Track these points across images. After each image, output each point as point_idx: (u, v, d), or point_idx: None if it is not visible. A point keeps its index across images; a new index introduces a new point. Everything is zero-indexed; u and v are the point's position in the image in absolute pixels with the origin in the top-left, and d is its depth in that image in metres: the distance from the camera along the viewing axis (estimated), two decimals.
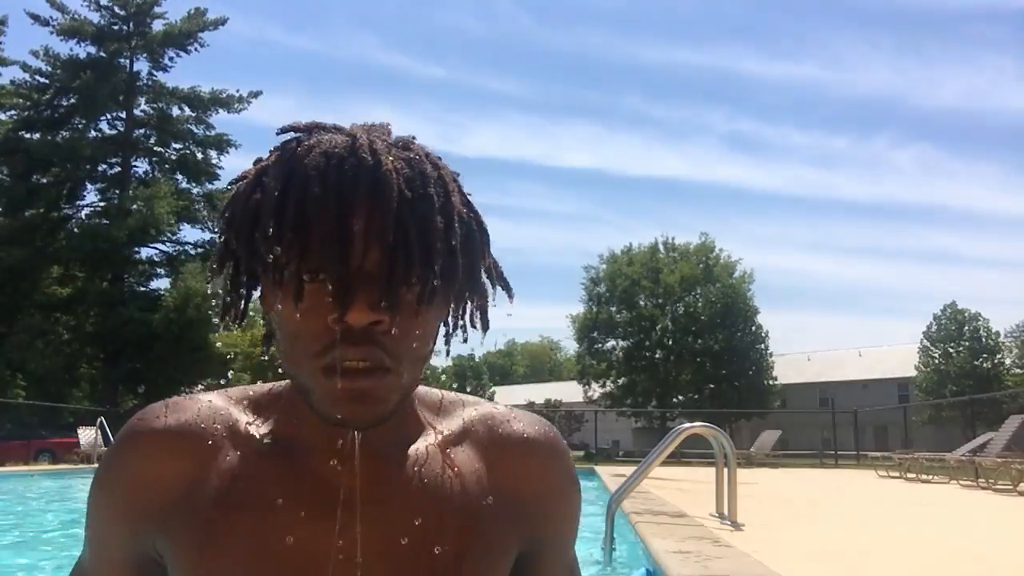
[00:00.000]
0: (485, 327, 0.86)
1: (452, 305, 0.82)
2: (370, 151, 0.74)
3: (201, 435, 0.83)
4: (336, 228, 0.71)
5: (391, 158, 0.74)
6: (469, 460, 0.87)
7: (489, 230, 0.85)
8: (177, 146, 36.76)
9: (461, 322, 0.85)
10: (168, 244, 36.52)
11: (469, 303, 0.84)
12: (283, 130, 0.80)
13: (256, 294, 0.82)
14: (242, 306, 0.83)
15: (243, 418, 0.86)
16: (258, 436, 0.84)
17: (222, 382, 34.68)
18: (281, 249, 0.72)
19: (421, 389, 0.91)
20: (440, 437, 0.88)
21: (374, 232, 0.72)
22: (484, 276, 0.84)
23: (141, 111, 36.25)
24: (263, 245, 0.73)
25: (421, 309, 0.75)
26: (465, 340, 0.86)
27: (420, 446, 0.86)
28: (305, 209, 0.72)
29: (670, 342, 47.22)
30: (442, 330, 0.82)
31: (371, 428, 0.77)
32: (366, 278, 0.72)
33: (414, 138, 0.81)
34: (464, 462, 0.87)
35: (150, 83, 35.95)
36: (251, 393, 0.90)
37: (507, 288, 0.87)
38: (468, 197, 0.83)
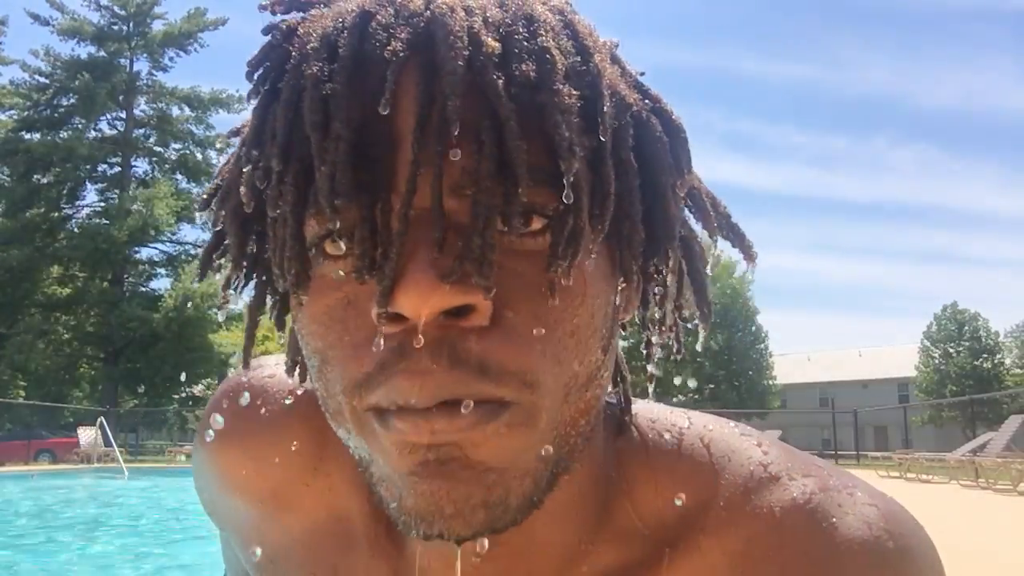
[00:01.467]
0: (705, 311, 0.50)
1: (628, 268, 0.45)
2: None
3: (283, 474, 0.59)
4: (344, 132, 0.39)
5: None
6: None
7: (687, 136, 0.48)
8: (177, 146, 36.77)
9: (656, 304, 0.50)
10: (168, 244, 36.58)
11: (662, 262, 0.47)
12: (272, 6, 0.47)
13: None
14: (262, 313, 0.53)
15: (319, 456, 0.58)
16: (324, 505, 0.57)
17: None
18: (268, 198, 0.42)
19: (651, 435, 0.53)
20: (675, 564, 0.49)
21: (437, 127, 0.39)
22: (685, 211, 0.49)
23: (141, 111, 36.27)
24: (247, 199, 0.43)
25: (558, 273, 0.40)
26: (678, 347, 0.52)
27: None
28: (299, 108, 0.41)
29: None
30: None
31: (489, 535, 0.42)
32: (429, 225, 0.39)
33: None
34: None
35: (150, 83, 35.94)
36: None
37: (735, 234, 0.50)
38: (636, 74, 0.48)
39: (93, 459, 19.62)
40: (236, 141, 0.50)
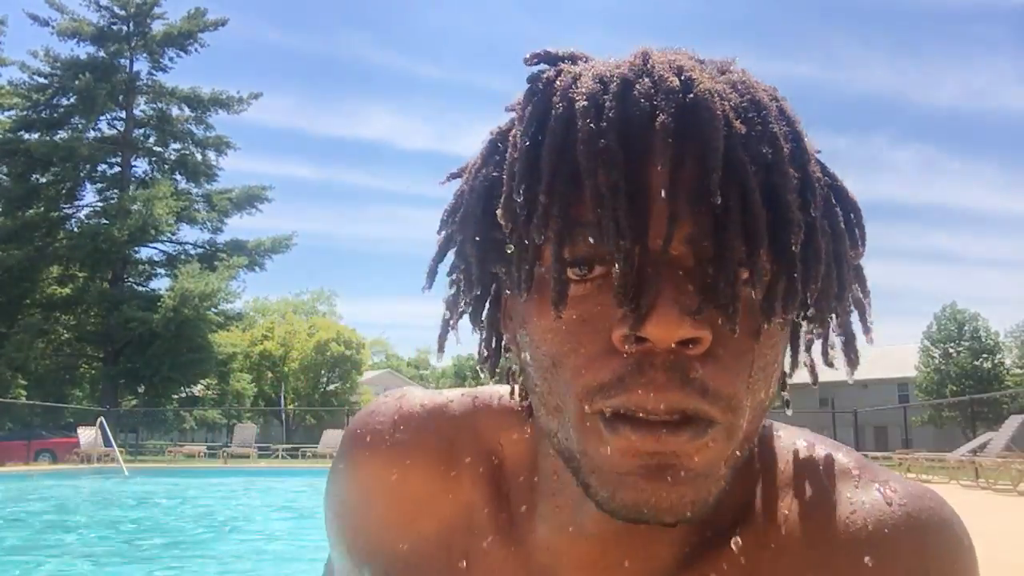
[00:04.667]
0: (852, 357, 0.58)
1: (807, 319, 0.55)
2: (673, 68, 0.49)
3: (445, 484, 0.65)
4: (622, 183, 0.46)
5: (707, 76, 0.49)
6: None
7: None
8: (176, 146, 36.83)
9: (807, 351, 0.59)
10: (168, 244, 36.61)
11: (830, 319, 0.56)
12: (532, 60, 0.55)
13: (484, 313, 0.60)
14: (492, 344, 0.61)
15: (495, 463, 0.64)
16: (500, 509, 0.62)
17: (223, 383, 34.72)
18: (533, 226, 0.48)
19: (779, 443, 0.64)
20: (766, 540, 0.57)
21: (688, 189, 0.46)
22: (850, 282, 0.56)
23: (141, 111, 36.29)
24: (507, 221, 0.50)
25: (766, 321, 0.48)
26: (815, 380, 0.60)
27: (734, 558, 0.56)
28: (568, 157, 0.48)
29: None
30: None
31: (680, 524, 0.49)
32: (674, 266, 0.47)
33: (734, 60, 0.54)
34: None
35: (150, 83, 35.95)
36: (508, 419, 0.65)
37: (863, 316, 0.59)
38: (816, 152, 0.55)
39: (93, 459, 19.62)
40: (477, 170, 0.56)
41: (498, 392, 0.67)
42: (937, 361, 42.69)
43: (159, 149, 36.70)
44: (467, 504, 0.63)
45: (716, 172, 0.45)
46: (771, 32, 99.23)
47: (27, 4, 35.09)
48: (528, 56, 0.55)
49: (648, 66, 0.49)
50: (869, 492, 0.58)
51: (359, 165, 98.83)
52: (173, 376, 32.01)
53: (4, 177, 34.11)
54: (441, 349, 0.61)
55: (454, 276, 0.59)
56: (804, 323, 0.55)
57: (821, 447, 0.62)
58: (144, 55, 35.69)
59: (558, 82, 0.51)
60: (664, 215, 0.46)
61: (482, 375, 0.62)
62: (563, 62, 0.53)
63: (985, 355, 41.58)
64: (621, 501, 0.47)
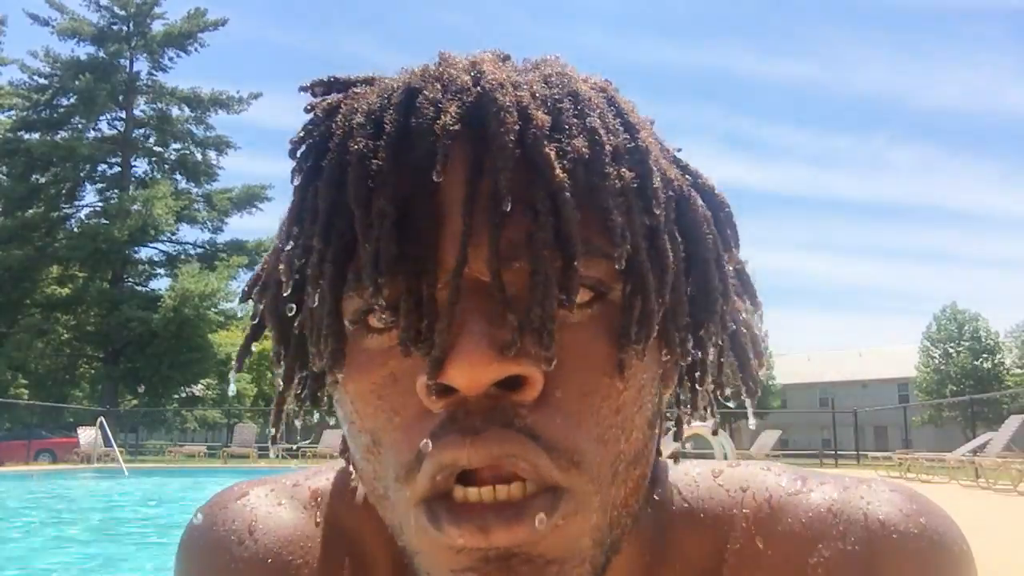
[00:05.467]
0: (750, 385, 0.50)
1: (672, 343, 0.44)
2: (468, 67, 0.43)
3: None
4: (389, 208, 0.39)
5: (503, 69, 0.43)
6: None
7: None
8: (176, 146, 36.83)
9: (691, 382, 0.48)
10: (167, 244, 36.62)
11: (710, 341, 0.46)
12: (313, 89, 0.48)
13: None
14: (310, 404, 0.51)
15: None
16: None
17: (224, 384, 34.69)
18: (308, 277, 0.42)
19: (687, 493, 0.53)
20: None
21: (486, 200, 0.39)
22: (731, 291, 0.47)
23: (141, 111, 36.30)
24: (287, 278, 0.44)
25: (622, 350, 0.40)
26: (714, 421, 0.51)
27: None
28: (341, 185, 0.41)
29: None
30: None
31: None
32: (482, 295, 0.39)
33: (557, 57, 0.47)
34: None
35: (150, 83, 35.97)
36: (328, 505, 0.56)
37: (751, 331, 0.50)
38: (674, 150, 0.49)
39: (93, 459, 19.62)
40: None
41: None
42: (937, 361, 42.68)
43: (159, 149, 36.70)
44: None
45: (504, 172, 0.38)
46: (771, 32, 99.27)
47: (27, 4, 35.21)
48: (307, 85, 0.47)
49: (442, 70, 0.43)
50: (811, 501, 0.51)
51: None
52: (173, 376, 32.01)
53: (4, 177, 34.10)
54: (274, 442, 0.51)
55: (281, 367, 0.49)
56: (679, 350, 0.44)
57: (726, 468, 0.55)
58: (144, 55, 35.70)
59: (343, 106, 0.44)
60: (458, 235, 0.38)
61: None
62: (356, 86, 0.46)
63: (985, 355, 41.56)
64: None
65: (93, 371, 35.10)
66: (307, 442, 22.60)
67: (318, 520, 0.54)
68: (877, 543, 0.48)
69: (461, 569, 0.38)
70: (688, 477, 0.54)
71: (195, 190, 36.74)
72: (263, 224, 65.03)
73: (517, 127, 0.39)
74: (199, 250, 36.37)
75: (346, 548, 0.53)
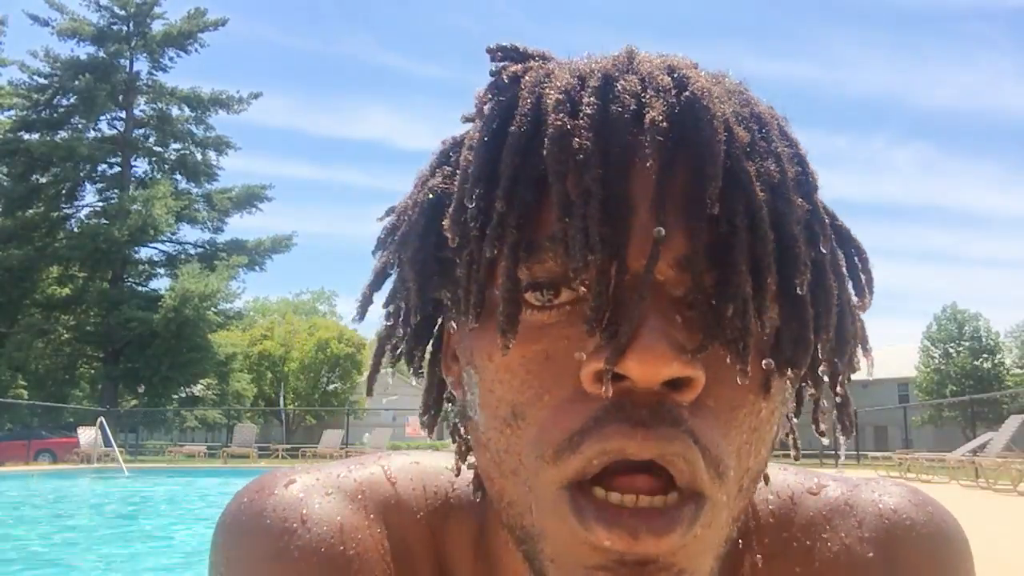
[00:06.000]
0: (847, 423, 0.48)
1: (813, 379, 0.45)
2: (663, 66, 0.43)
3: None
4: (596, 189, 0.38)
5: (703, 77, 0.42)
6: None
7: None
8: (176, 146, 36.86)
9: (813, 400, 0.49)
10: (167, 244, 36.63)
11: (833, 366, 0.46)
12: (496, 53, 0.47)
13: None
14: (434, 393, 0.52)
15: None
16: None
17: (224, 384, 34.73)
18: (486, 238, 0.41)
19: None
20: None
21: (680, 201, 0.39)
22: (855, 336, 0.47)
23: (141, 111, 36.31)
24: (455, 234, 0.42)
25: (778, 372, 0.41)
26: (796, 454, 0.50)
27: None
28: (534, 158, 0.40)
29: None
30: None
31: None
32: (660, 293, 0.39)
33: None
34: None
35: (150, 83, 35.97)
36: (428, 502, 0.55)
37: (866, 349, 0.49)
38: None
39: (93, 459, 19.63)
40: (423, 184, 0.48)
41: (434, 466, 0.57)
42: (937, 361, 42.68)
43: (159, 149, 36.72)
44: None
45: (716, 181, 0.38)
46: (771, 32, 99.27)
47: (27, 4, 35.23)
48: (492, 47, 0.47)
49: (634, 64, 0.43)
50: (824, 499, 0.56)
51: (359, 165, 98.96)
52: (173, 376, 32.02)
53: (4, 177, 34.10)
54: (370, 393, 0.52)
55: (391, 307, 0.50)
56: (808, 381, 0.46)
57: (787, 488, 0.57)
58: (144, 55, 35.70)
59: (527, 76, 0.44)
60: (649, 230, 0.38)
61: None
62: (533, 60, 0.46)
63: (985, 355, 41.57)
64: None
65: (93, 371, 35.11)
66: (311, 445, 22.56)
67: (366, 512, 0.54)
68: (892, 529, 0.53)
69: (594, 566, 0.38)
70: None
71: (195, 190, 36.78)
72: (263, 224, 65.07)
73: (724, 139, 0.39)
74: (199, 250, 36.38)
75: (393, 543, 0.53)
